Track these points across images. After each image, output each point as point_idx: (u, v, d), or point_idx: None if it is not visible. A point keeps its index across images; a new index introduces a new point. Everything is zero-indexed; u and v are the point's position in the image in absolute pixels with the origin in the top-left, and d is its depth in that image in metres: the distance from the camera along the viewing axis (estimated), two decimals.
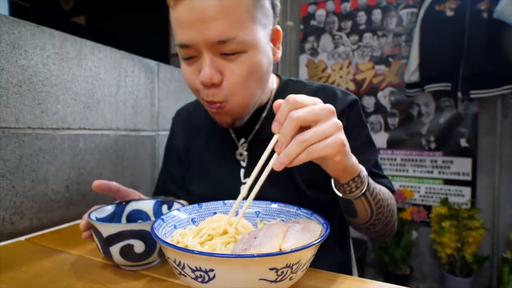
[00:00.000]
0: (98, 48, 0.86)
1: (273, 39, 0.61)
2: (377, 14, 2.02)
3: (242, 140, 0.68)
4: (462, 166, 1.86)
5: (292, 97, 0.39)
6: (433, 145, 1.93)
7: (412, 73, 1.77)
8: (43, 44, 0.72)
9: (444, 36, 1.68)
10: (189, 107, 0.81)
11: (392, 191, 0.64)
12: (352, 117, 0.65)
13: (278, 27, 0.62)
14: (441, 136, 1.90)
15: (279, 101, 0.40)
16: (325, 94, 0.67)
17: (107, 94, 0.89)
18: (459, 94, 1.66)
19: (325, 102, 0.65)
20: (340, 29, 2.14)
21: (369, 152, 0.65)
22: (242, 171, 0.66)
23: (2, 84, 0.64)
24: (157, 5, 2.78)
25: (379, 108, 2.05)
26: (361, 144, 0.64)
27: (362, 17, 2.07)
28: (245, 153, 0.67)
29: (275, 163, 0.38)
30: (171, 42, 2.72)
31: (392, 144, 2.04)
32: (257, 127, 0.67)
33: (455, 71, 1.66)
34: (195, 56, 0.54)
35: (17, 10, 2.70)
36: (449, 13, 1.69)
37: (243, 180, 0.66)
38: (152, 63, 1.06)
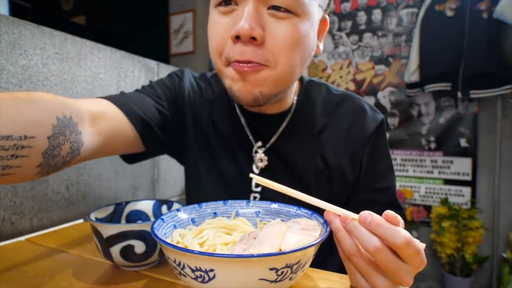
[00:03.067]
0: (98, 48, 0.86)
1: (319, 29, 0.52)
2: (377, 14, 2.03)
3: (259, 143, 0.60)
4: (462, 166, 1.86)
5: (406, 237, 0.31)
6: (433, 145, 1.93)
7: (412, 73, 1.77)
8: (43, 44, 0.72)
9: (444, 36, 1.69)
10: (196, 90, 0.66)
11: None
12: (380, 139, 0.60)
13: (327, 17, 0.54)
14: (441, 136, 1.90)
15: (399, 219, 0.33)
16: (351, 105, 0.61)
17: (107, 94, 0.89)
18: (459, 94, 1.66)
19: (351, 116, 0.60)
20: (340, 29, 2.14)
21: (391, 177, 0.61)
22: (254, 180, 0.60)
23: (2, 84, 0.64)
24: (157, 5, 2.78)
25: (379, 108, 2.05)
26: (384, 169, 0.60)
27: (362, 17, 2.07)
28: (266, 158, 0.58)
29: (329, 215, 0.37)
30: (171, 42, 2.72)
31: (392, 144, 2.04)
32: (280, 132, 0.59)
33: (455, 71, 1.66)
34: (234, 3, 0.44)
35: (17, 10, 2.71)
36: (449, 13, 1.69)
37: (254, 189, 0.60)
38: (152, 63, 1.06)
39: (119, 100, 0.53)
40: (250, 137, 0.60)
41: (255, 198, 0.60)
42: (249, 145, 0.60)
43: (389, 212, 0.33)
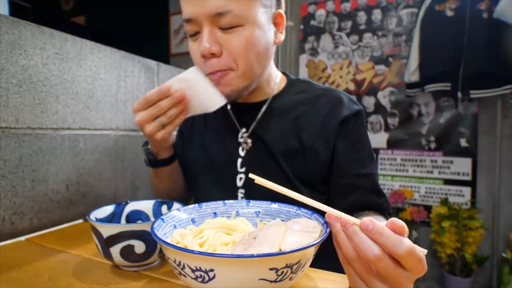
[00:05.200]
0: (98, 48, 0.86)
1: (277, 23, 0.64)
2: (377, 14, 2.03)
3: (244, 129, 0.69)
4: (462, 166, 1.86)
5: (408, 247, 0.31)
6: (433, 145, 1.93)
7: (412, 73, 1.77)
8: (43, 44, 0.72)
9: (444, 36, 1.68)
10: None
11: (389, 212, 0.64)
12: (358, 127, 0.66)
13: (282, 11, 0.64)
14: (441, 136, 1.90)
15: (402, 224, 0.33)
16: (330, 96, 0.67)
17: (107, 94, 0.89)
18: (459, 94, 1.66)
19: (329, 105, 0.66)
20: (340, 29, 2.14)
21: (372, 165, 0.65)
22: (239, 160, 0.68)
23: (2, 84, 0.64)
24: (157, 5, 2.78)
25: (379, 108, 2.05)
26: (365, 156, 0.65)
27: (362, 17, 2.07)
28: (249, 140, 0.67)
29: (330, 216, 0.37)
30: (171, 42, 2.72)
31: (392, 144, 2.04)
32: (258, 118, 0.68)
33: (455, 71, 1.66)
34: (198, 32, 0.59)
35: (17, 10, 2.70)
36: (449, 13, 1.69)
37: (239, 170, 0.68)
38: (152, 63, 1.06)
39: None
40: (237, 125, 0.70)
41: (241, 179, 0.67)
42: (236, 131, 0.70)
43: (396, 221, 0.33)
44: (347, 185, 0.64)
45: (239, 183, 0.67)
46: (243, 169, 0.67)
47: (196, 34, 0.59)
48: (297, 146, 0.65)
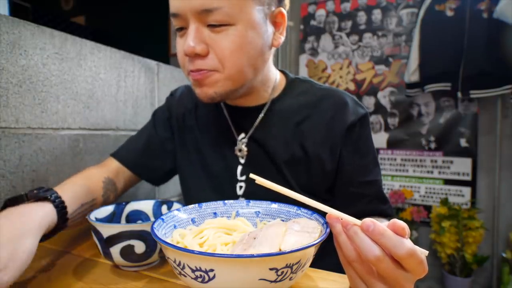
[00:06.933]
0: (98, 48, 0.86)
1: (276, 23, 0.58)
2: (377, 14, 2.03)
3: (242, 135, 0.65)
4: (462, 166, 1.86)
5: (409, 248, 0.31)
6: (433, 145, 1.93)
7: (412, 73, 1.77)
8: (43, 44, 0.72)
9: (444, 36, 1.69)
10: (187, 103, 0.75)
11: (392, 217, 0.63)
12: (363, 133, 0.62)
13: (284, 10, 0.58)
14: (441, 136, 1.90)
15: (400, 224, 0.32)
16: (334, 99, 0.63)
17: (107, 94, 0.89)
18: (459, 94, 1.66)
19: (333, 109, 0.62)
20: (340, 29, 2.14)
21: (376, 171, 0.63)
22: (239, 168, 0.64)
23: (2, 84, 0.64)
24: (157, 5, 2.78)
25: (379, 108, 2.05)
26: (369, 162, 0.63)
27: (362, 17, 2.07)
28: (245, 149, 0.63)
29: (331, 217, 0.36)
30: (171, 42, 2.72)
31: (392, 144, 2.04)
32: (257, 123, 0.63)
33: (455, 71, 1.66)
34: (185, 28, 0.53)
35: (17, 10, 2.71)
36: (449, 13, 1.69)
37: (239, 178, 0.64)
38: (152, 63, 1.06)
39: (124, 157, 0.73)
40: (233, 129, 0.65)
41: (241, 187, 0.64)
42: (233, 137, 0.65)
43: (397, 222, 0.32)
44: (353, 194, 0.62)
45: (239, 192, 0.64)
46: (243, 178, 0.63)
47: (182, 29, 0.54)
48: (301, 154, 0.61)
